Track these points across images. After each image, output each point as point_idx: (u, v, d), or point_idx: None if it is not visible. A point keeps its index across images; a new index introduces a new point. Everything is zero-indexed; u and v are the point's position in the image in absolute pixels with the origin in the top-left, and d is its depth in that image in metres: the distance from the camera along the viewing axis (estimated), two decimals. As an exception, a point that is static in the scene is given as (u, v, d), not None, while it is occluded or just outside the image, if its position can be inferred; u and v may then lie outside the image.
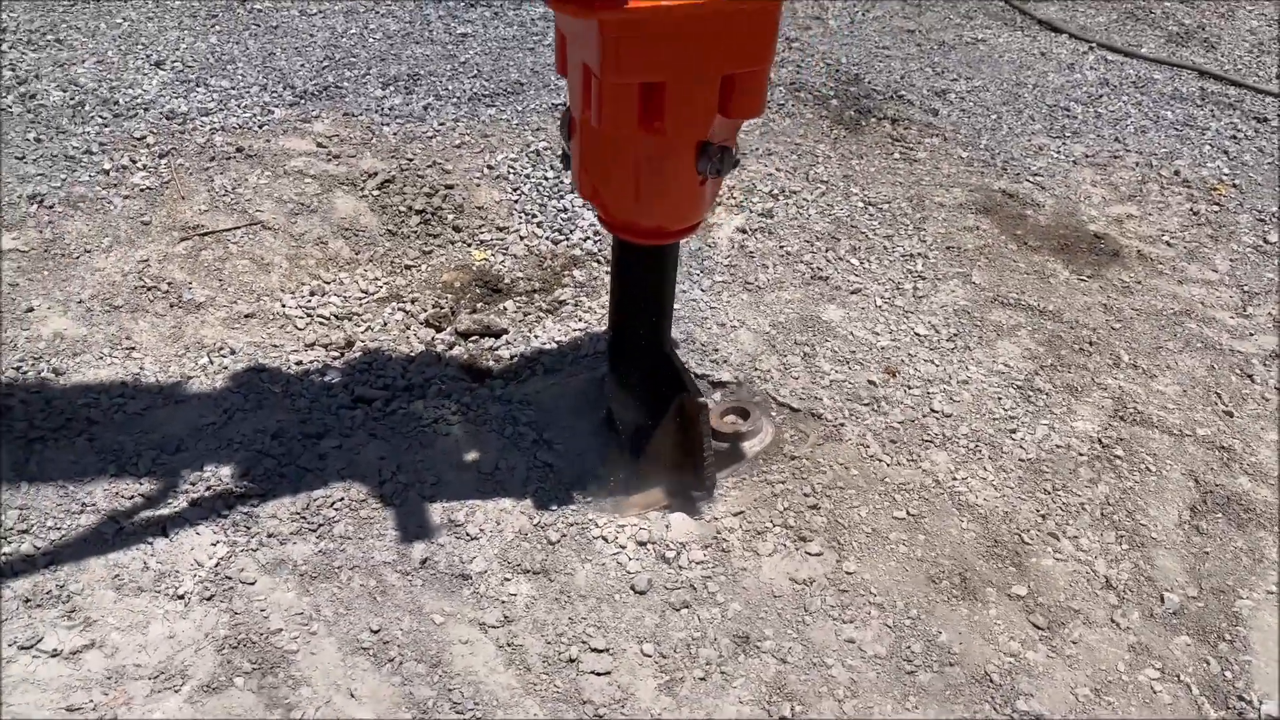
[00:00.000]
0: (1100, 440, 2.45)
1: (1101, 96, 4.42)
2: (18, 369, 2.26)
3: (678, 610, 1.91)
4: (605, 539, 2.03)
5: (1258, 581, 2.12)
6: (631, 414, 2.24)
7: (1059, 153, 3.83)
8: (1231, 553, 2.18)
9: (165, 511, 1.97)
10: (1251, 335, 2.91)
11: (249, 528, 1.96)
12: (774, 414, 2.41)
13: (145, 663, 1.73)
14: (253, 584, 1.87)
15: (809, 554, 2.05)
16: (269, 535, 1.95)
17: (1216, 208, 3.61)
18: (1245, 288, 3.14)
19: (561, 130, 1.93)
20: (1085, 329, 2.85)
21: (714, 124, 1.80)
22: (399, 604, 1.86)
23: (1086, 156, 3.84)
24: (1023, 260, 3.14)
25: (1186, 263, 3.24)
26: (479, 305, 2.80)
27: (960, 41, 4.86)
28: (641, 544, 2.03)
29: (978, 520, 2.18)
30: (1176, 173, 3.82)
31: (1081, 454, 2.40)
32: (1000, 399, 2.54)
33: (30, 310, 2.43)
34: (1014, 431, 2.44)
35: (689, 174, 1.83)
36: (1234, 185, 3.79)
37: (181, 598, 1.83)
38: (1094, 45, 5.08)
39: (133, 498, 2.00)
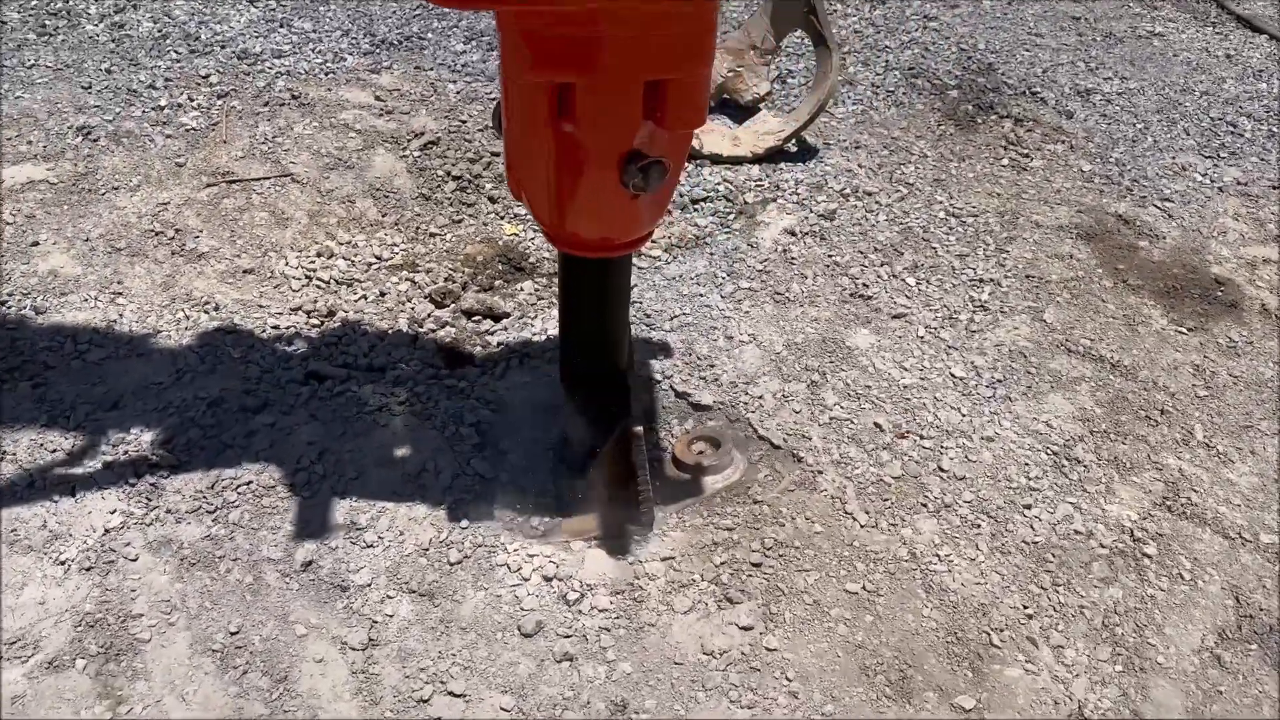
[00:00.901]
0: (1133, 533, 2.08)
1: (1284, 111, 3.81)
2: (3, 303, 2.30)
3: (558, 662, 1.74)
4: (509, 567, 1.87)
5: (1274, 739, 1.75)
6: (580, 432, 2.06)
7: (1205, 176, 3.32)
8: (1252, 698, 1.81)
9: (79, 471, 1.95)
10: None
11: (150, 500, 1.91)
12: (750, 449, 2.17)
13: (6, 627, 1.71)
14: (134, 560, 1.82)
15: (731, 620, 1.83)
16: (166, 511, 1.89)
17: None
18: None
19: (494, 122, 1.75)
20: (1162, 393, 2.44)
21: (642, 133, 1.57)
22: (267, 607, 1.78)
23: (1238, 184, 3.31)
24: (1114, 301, 2.73)
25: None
26: (496, 283, 2.67)
27: (1132, 34, 4.30)
28: (547, 579, 1.86)
29: (945, 608, 1.89)
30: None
31: (1104, 546, 2.05)
32: (1027, 465, 2.20)
33: (35, 244, 2.47)
34: (1029, 507, 2.11)
35: (614, 187, 1.61)
36: None
37: (64, 564, 1.81)
38: (1298, 58, 4.39)
39: (54, 451, 1.99)
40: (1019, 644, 1.85)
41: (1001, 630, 1.87)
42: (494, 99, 3.25)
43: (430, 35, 3.53)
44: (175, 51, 3.24)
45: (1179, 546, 2.07)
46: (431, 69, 3.35)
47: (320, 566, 1.84)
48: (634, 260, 2.73)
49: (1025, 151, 3.34)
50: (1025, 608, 1.92)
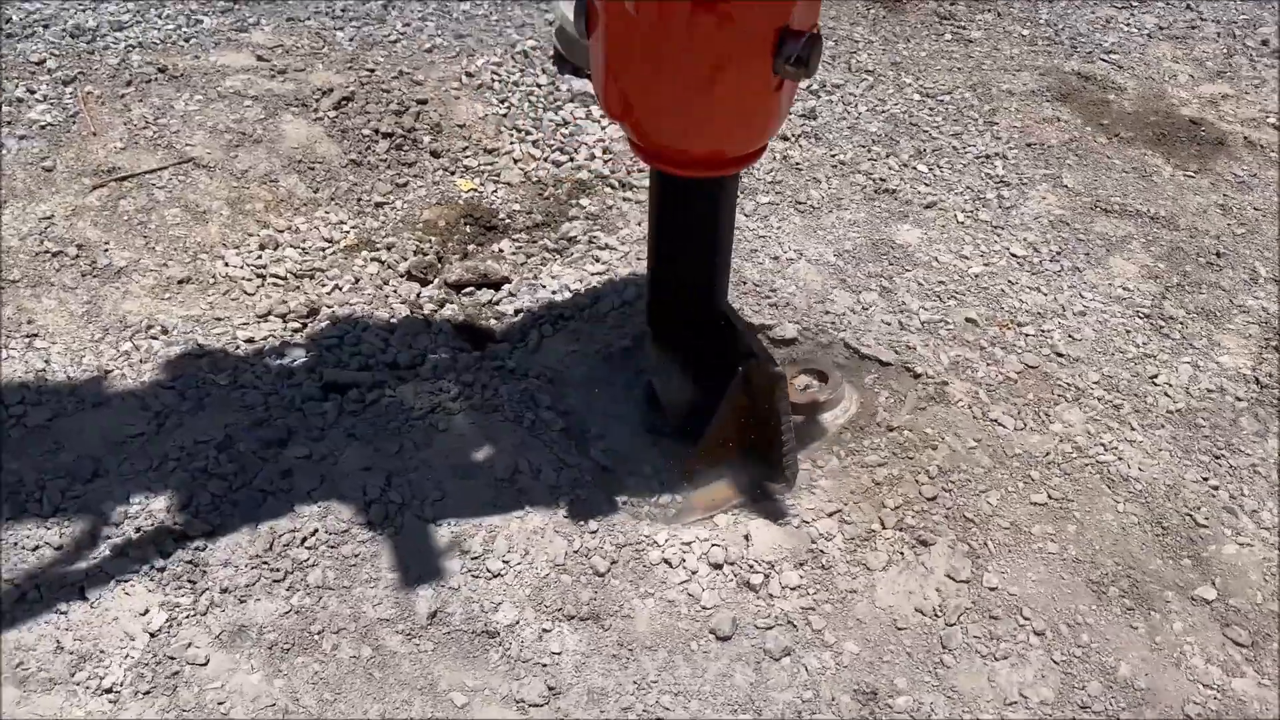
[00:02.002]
0: (1258, 380, 1.97)
1: (1163, -43, 3.83)
2: (-119, 375, 1.73)
3: (777, 660, 1.44)
4: (669, 562, 1.55)
5: None
6: (681, 390, 1.74)
7: (1129, 25, 3.27)
8: None
9: (82, 565, 1.47)
10: (1402, 233, 2.42)
11: (195, 581, 1.46)
12: (858, 372, 1.92)
13: (62, 794, 1.25)
14: (205, 665, 1.38)
15: (934, 565, 1.58)
16: (222, 591, 1.45)
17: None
18: (1374, 172, 2.64)
19: (578, 23, 1.38)
20: (1208, 237, 2.35)
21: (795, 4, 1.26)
22: (404, 680, 1.38)
23: (1161, 29, 3.29)
24: (1117, 155, 2.62)
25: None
26: (470, 248, 2.28)
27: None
28: (716, 566, 1.55)
29: (1137, 499, 1.71)
30: (1265, 42, 3.27)
31: (1240, 399, 1.93)
32: (1130, 333, 2.05)
33: (-102, 293, 1.89)
34: (1154, 377, 1.95)
35: (763, 75, 1.30)
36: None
37: (110, 691, 1.35)
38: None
39: (38, 548, 1.49)
40: (1219, 518, 1.70)
41: (1198, 509, 1.71)
42: (396, 41, 2.80)
43: (288, -19, 3.01)
44: (18, 50, 2.60)
45: (1309, 387, 1.97)
46: (308, 18, 2.84)
47: (450, 614, 1.46)
48: (637, 195, 2.40)
49: (961, 25, 3.19)
50: (1206, 480, 1.76)
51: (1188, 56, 3.15)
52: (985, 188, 2.45)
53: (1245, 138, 2.76)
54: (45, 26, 2.70)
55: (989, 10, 3.28)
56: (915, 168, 2.51)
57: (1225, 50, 3.21)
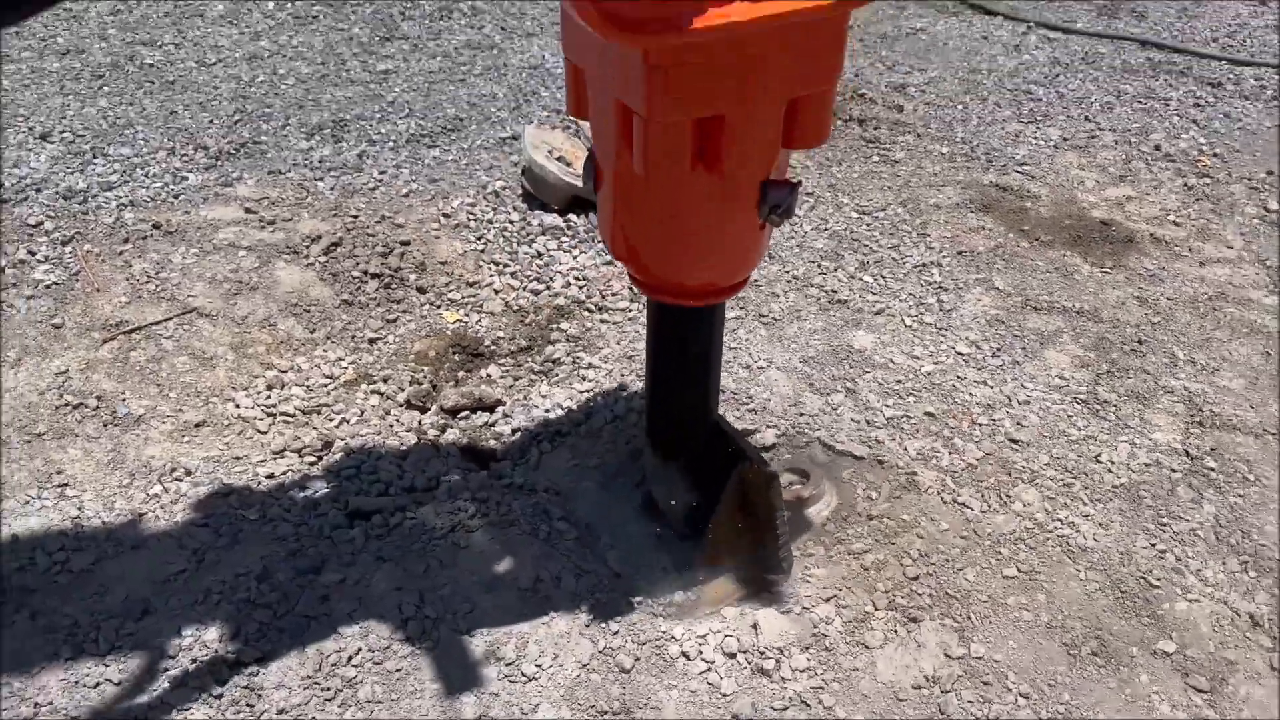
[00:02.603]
0: (1187, 453, 2.20)
1: (1058, 75, 4.26)
2: (-77, 533, 1.82)
3: (797, 735, 1.58)
4: (687, 655, 1.69)
5: None
6: (681, 494, 1.91)
7: (1037, 138, 3.63)
8: (1368, 565, 1.95)
9: (143, 699, 1.56)
10: (1275, 313, 2.72)
11: (252, 705, 1.56)
12: (835, 468, 2.10)
13: None
14: (271, 782, 1.47)
15: (924, 640, 1.75)
16: (279, 712, 1.55)
17: (1207, 180, 3.44)
18: (1267, 262, 2.95)
19: (585, 180, 1.59)
20: (1129, 326, 2.62)
21: (777, 160, 1.49)
22: (461, 781, 1.49)
23: (1065, 140, 3.65)
24: (1039, 257, 2.90)
25: (1200, 242, 3.05)
26: (461, 375, 2.44)
27: (900, 33, 4.65)
28: (731, 655, 1.70)
29: (1095, 567, 1.90)
30: (1157, 147, 3.65)
31: (1174, 470, 2.15)
32: (1071, 417, 2.28)
33: (-70, 454, 1.99)
34: (1098, 456, 2.18)
35: (750, 220, 1.51)
36: (1214, 154, 3.63)
37: (182, 815, 1.43)
38: (1031, 25, 4.94)
39: (99, 685, 1.58)
40: (1170, 579, 1.90)
41: (1150, 572, 1.91)
42: (374, 188, 3.00)
43: (265, 139, 3.21)
44: (14, 215, 2.75)
45: (1227, 453, 2.21)
46: (289, 170, 3.04)
47: (494, 718, 1.57)
48: (612, 316, 2.60)
49: (885, 147, 3.51)
50: (1154, 545, 1.97)
51: (1092, 164, 3.50)
52: (925, 293, 2.70)
53: (1151, 235, 3.07)
54: (38, 190, 2.85)
55: (909, 132, 3.61)
56: (862, 279, 2.75)
57: (1124, 156, 3.57)
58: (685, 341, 1.75)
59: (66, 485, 1.95)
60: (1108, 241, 3.01)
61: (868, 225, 3.01)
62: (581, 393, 2.32)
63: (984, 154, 3.48)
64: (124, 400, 2.17)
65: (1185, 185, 3.39)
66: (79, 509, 1.90)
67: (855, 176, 3.29)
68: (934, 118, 3.73)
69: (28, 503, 1.90)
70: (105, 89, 3.46)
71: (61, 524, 1.86)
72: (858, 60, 4.22)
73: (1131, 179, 3.40)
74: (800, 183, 1.52)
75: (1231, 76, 4.42)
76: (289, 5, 4.27)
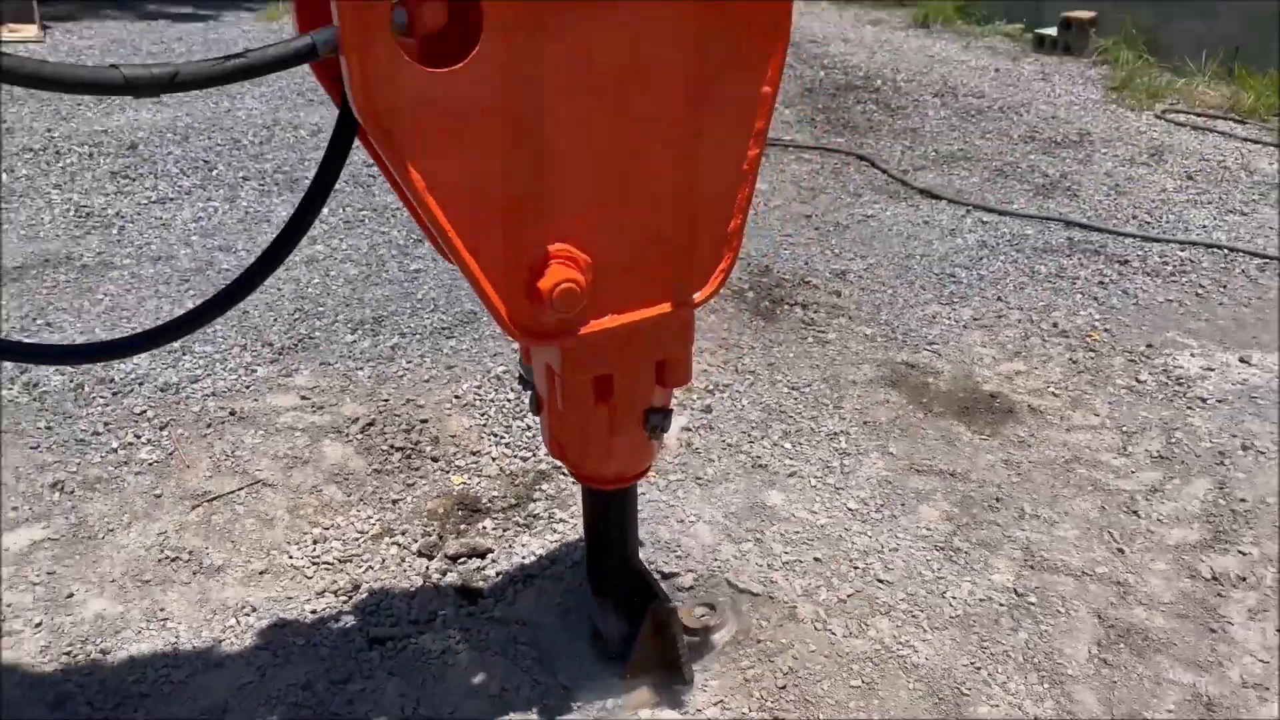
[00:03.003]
0: (1015, 590, 2.85)
1: (982, 258, 5.02)
2: (69, 654, 2.54)
3: (679, 799, 2.23)
4: (609, 743, 2.35)
5: (1159, 703, 2.50)
6: (614, 625, 2.59)
7: (950, 319, 4.36)
8: (1136, 678, 2.57)
9: (223, 771, 2.25)
10: (1133, 473, 3.38)
11: (299, 776, 2.24)
12: (736, 602, 2.78)
13: None
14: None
15: (783, 731, 2.39)
16: (317, 781, 2.23)
17: (1092, 354, 4.14)
18: (1124, 429, 3.62)
19: (530, 405, 2.34)
20: (991, 486, 3.29)
21: (654, 394, 2.22)
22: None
23: (975, 319, 4.38)
24: (930, 427, 3.60)
25: (1071, 410, 3.73)
26: (462, 528, 3.15)
27: (853, 220, 5.46)
28: (640, 743, 2.35)
29: (921, 680, 2.54)
30: (1055, 324, 4.36)
31: (1001, 604, 2.80)
32: (928, 561, 2.94)
33: (70, 595, 2.72)
34: (944, 592, 2.83)
35: (639, 434, 2.24)
36: (1105, 330, 4.34)
37: None
38: (971, 208, 5.73)
39: (192, 762, 2.27)
40: (979, 689, 2.53)
41: (963, 683, 2.54)
42: (402, 376, 3.78)
43: (319, 334, 4.03)
44: (100, 396, 3.56)
45: (1048, 591, 2.85)
46: (335, 362, 3.84)
47: (466, 785, 2.24)
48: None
49: (821, 329, 4.26)
50: (972, 663, 2.60)
51: (993, 341, 4.22)
52: (831, 458, 3.40)
53: (1029, 405, 3.76)
54: (140, 384, 3.66)
55: (842, 315, 4.36)
56: (783, 445, 3.46)
57: (1023, 334, 4.28)
58: (607, 511, 2.46)
59: (167, 619, 2.68)
60: (991, 412, 3.71)
61: (794, 399, 3.73)
62: (552, 542, 3.02)
63: (902, 334, 4.21)
64: (207, 554, 2.91)
65: (1071, 360, 4.09)
66: (176, 636, 2.62)
67: (791, 355, 4.03)
68: (866, 301, 4.49)
69: (140, 631, 2.63)
70: (191, 291, 4.32)
71: (164, 648, 2.58)
72: (810, 249, 5.02)
73: (1025, 354, 4.11)
74: (671, 410, 2.25)
75: (1140, 253, 5.16)
76: (340, 211, 5.18)
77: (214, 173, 5.68)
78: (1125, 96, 8.38)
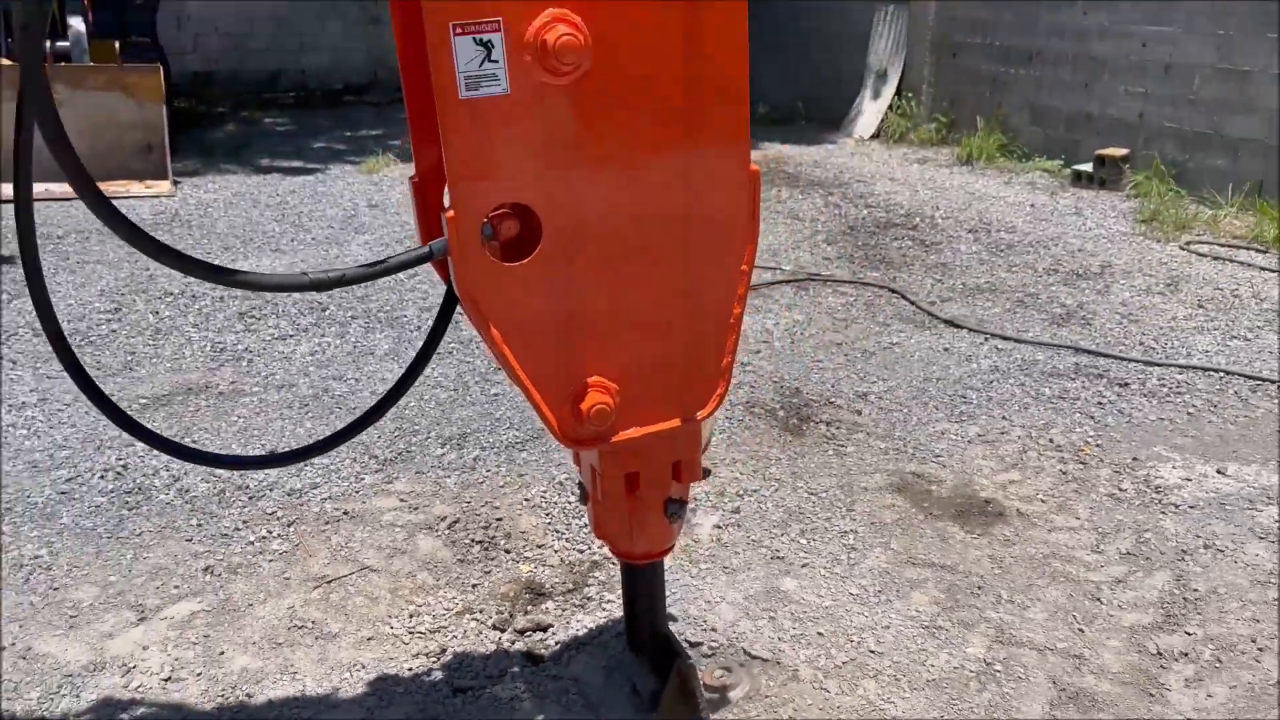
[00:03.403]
0: (985, 660, 3.41)
1: (993, 381, 5.64)
2: (222, 696, 3.26)
3: (692, 811, 2.83)
4: (639, 770, 2.97)
5: (1095, 749, 3.04)
6: (646, 680, 3.22)
7: (957, 435, 4.98)
8: (1078, 731, 3.11)
9: (342, 782, 2.92)
10: (1102, 567, 3.93)
11: (399, 787, 2.90)
12: (750, 666, 3.39)
13: None
14: (408, 824, 2.79)
15: (780, 764, 2.99)
16: (413, 790, 2.89)
17: (1082, 465, 4.71)
18: (1100, 530, 4.18)
19: (580, 498, 3.05)
20: (975, 576, 3.87)
21: (672, 488, 2.91)
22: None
23: (979, 435, 4.99)
24: (929, 527, 4.20)
25: (1055, 514, 4.30)
26: (529, 608, 3.82)
27: (879, 347, 6.15)
28: (664, 770, 2.96)
29: (897, 727, 3.12)
30: (1051, 440, 4.95)
31: (971, 671, 3.36)
32: (916, 638, 3.52)
33: (221, 653, 3.46)
34: (925, 661, 3.41)
35: (661, 520, 2.92)
36: (1097, 445, 4.91)
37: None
38: (989, 336, 6.37)
39: (318, 775, 2.95)
40: (945, 736, 3.09)
41: (933, 731, 3.11)
42: (482, 482, 4.53)
43: (414, 448, 4.82)
44: (239, 500, 4.37)
45: (1014, 663, 3.40)
46: (428, 471, 4.61)
47: (527, 796, 2.88)
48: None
49: (841, 443, 4.91)
50: (941, 715, 3.17)
51: (994, 454, 4.82)
52: (840, 552, 4.02)
53: (1018, 509, 4.34)
54: (271, 490, 4.47)
55: (861, 431, 5.01)
56: (799, 541, 4.09)
57: (1021, 448, 4.88)
58: (639, 581, 3.12)
59: (296, 672, 3.39)
60: (983, 515, 4.30)
61: (812, 503, 4.37)
62: (601, 618, 3.68)
63: (912, 448, 4.84)
64: (326, 624, 3.63)
65: (1062, 471, 4.67)
66: (303, 686, 3.33)
67: (813, 465, 4.68)
68: (883, 420, 5.14)
69: (275, 681, 3.34)
70: (310, 414, 5.17)
71: (294, 694, 3.28)
72: (838, 373, 5.70)
73: (1021, 466, 4.70)
74: (686, 501, 2.93)
75: (1140, 377, 5.73)
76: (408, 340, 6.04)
77: (326, 313, 6.63)
78: (1153, 228, 8.99)
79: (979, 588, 3.80)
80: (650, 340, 2.58)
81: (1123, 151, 10.78)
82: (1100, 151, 10.86)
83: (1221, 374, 5.74)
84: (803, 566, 3.93)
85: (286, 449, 4.70)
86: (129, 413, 2.74)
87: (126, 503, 4.36)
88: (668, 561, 3.64)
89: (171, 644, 3.49)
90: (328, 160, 12.15)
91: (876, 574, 3.89)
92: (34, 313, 2.30)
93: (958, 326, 6.50)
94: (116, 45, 11.57)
